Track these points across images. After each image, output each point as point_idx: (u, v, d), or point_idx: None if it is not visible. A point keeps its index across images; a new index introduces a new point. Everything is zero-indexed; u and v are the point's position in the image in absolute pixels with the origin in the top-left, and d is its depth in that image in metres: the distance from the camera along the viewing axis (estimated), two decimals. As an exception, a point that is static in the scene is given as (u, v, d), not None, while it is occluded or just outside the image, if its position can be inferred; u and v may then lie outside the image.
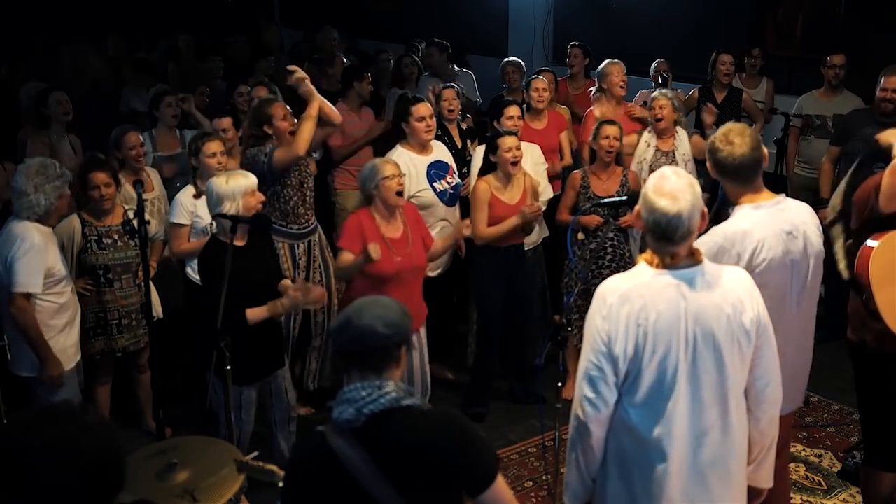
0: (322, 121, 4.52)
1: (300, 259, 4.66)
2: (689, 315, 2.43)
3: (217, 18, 10.09)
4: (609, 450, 2.57)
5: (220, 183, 3.73)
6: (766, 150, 3.05)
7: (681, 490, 2.52)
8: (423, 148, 4.89)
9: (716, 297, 2.46)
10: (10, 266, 3.76)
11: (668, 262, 2.47)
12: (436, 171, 4.90)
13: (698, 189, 2.51)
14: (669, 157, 5.15)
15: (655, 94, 5.31)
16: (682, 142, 5.23)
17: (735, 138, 2.96)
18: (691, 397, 2.46)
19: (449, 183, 4.95)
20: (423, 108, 4.82)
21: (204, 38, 8.24)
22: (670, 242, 2.45)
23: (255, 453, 3.76)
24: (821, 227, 3.12)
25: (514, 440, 4.67)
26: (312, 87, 4.50)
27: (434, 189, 4.85)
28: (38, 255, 3.79)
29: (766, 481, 2.76)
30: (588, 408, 2.48)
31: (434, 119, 4.91)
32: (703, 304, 2.45)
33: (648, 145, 5.24)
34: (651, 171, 5.05)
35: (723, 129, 3.05)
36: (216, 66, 7.13)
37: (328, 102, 4.64)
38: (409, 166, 4.68)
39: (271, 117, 4.46)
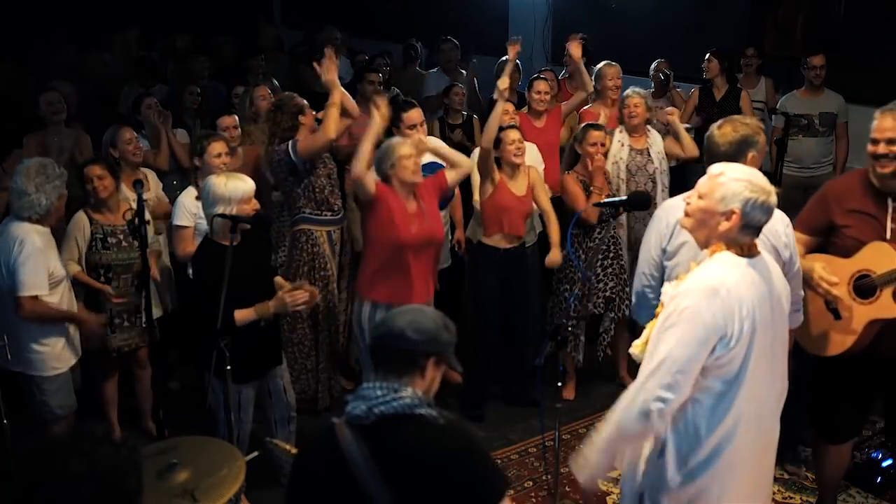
0: (342, 112, 4.78)
1: (336, 245, 4.85)
2: (773, 300, 2.55)
3: (217, 18, 10.09)
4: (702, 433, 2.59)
5: (218, 183, 3.70)
6: (762, 144, 3.15)
7: (752, 467, 2.63)
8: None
9: (779, 282, 2.62)
10: (14, 270, 3.76)
11: (754, 249, 2.57)
12: (426, 174, 4.85)
13: None
14: (644, 156, 5.11)
15: (628, 91, 5.24)
16: (656, 140, 5.20)
17: (727, 126, 3.14)
18: (772, 377, 2.59)
19: None
20: (415, 115, 4.79)
21: (204, 39, 8.25)
22: (758, 232, 2.56)
23: (255, 454, 3.79)
24: (792, 241, 3.11)
25: (514, 440, 4.68)
26: (335, 76, 4.69)
27: None
28: (41, 256, 3.80)
29: None
30: (665, 402, 2.46)
31: (425, 125, 4.88)
32: (777, 289, 2.58)
33: (622, 144, 5.18)
34: (628, 170, 5.06)
35: (728, 118, 3.24)
36: (201, 65, 7.12)
37: (349, 95, 4.92)
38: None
39: (303, 107, 4.72)
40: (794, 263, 3.09)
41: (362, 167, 4.06)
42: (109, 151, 4.78)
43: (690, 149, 5.12)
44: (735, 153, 3.07)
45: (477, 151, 5.00)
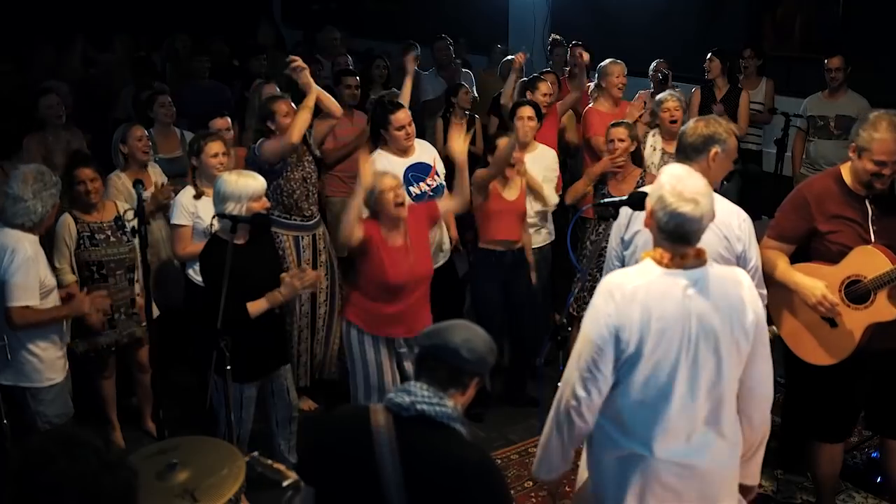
0: (324, 113, 4.76)
1: (304, 251, 4.74)
2: (693, 315, 2.46)
3: (217, 19, 10.10)
4: (596, 440, 2.66)
5: (229, 181, 3.71)
6: (730, 145, 3.22)
7: (664, 483, 2.55)
8: (403, 151, 4.82)
9: (719, 298, 2.49)
10: (6, 280, 3.66)
11: (678, 261, 2.50)
12: (415, 173, 4.82)
13: (710, 187, 2.56)
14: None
15: (665, 95, 5.24)
16: None
17: (700, 122, 3.25)
18: (687, 394, 2.49)
19: (428, 185, 4.86)
20: (403, 116, 4.75)
21: (204, 39, 8.25)
22: (687, 244, 2.50)
23: (255, 453, 3.79)
24: (747, 236, 3.09)
25: (514, 440, 4.68)
26: (310, 79, 4.63)
27: (410, 193, 4.71)
28: (32, 265, 3.70)
29: (754, 478, 2.79)
30: (583, 399, 2.52)
31: (413, 126, 4.83)
32: (707, 306, 2.47)
33: (654, 149, 5.19)
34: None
35: (705, 116, 3.37)
36: (202, 65, 7.12)
37: (328, 95, 4.85)
38: (386, 170, 4.52)
39: (274, 114, 4.63)
40: (749, 260, 3.07)
41: (348, 233, 3.93)
42: (119, 148, 4.78)
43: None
44: (700, 146, 3.18)
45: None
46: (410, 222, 4.15)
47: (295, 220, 4.70)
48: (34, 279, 3.70)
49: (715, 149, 3.17)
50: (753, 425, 2.65)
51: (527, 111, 5.03)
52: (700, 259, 2.52)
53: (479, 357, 2.19)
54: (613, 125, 4.87)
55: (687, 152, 3.21)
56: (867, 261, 3.34)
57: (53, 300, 3.88)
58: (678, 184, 2.48)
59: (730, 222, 3.05)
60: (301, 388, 4.83)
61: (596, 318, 2.50)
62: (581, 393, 2.51)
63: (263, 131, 4.65)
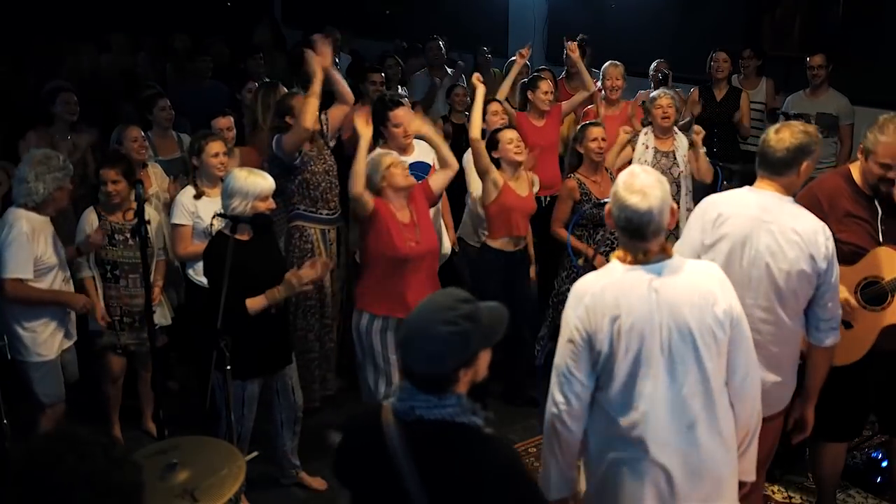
0: (337, 101, 4.88)
1: (331, 245, 4.80)
2: (661, 308, 2.46)
3: (217, 19, 10.10)
4: (590, 446, 2.62)
5: (239, 176, 3.72)
6: (818, 153, 3.04)
7: (659, 485, 2.52)
8: (402, 150, 4.80)
9: (687, 290, 2.49)
10: (0, 253, 3.87)
11: (641, 258, 2.52)
12: (415, 172, 4.74)
13: (667, 186, 2.54)
14: (670, 158, 5.10)
15: (658, 93, 5.21)
16: (682, 143, 5.17)
17: (784, 131, 3.03)
18: (671, 390, 2.48)
19: None
20: (402, 114, 4.76)
21: (202, 39, 8.24)
22: (642, 239, 2.50)
23: (255, 454, 3.79)
24: (831, 254, 2.97)
25: (514, 440, 4.65)
26: (318, 66, 4.63)
27: None
28: (26, 242, 3.88)
29: (748, 474, 2.74)
30: (561, 405, 2.54)
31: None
32: (675, 297, 2.47)
33: (647, 147, 5.16)
34: None
35: (778, 124, 3.14)
36: (205, 65, 7.11)
37: (342, 80, 4.92)
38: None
39: (292, 108, 4.71)
40: (830, 274, 2.95)
41: (360, 185, 4.00)
42: (116, 149, 4.79)
43: (705, 173, 5.05)
44: (791, 160, 2.99)
45: (469, 154, 4.99)
46: (413, 202, 4.20)
47: (322, 213, 4.77)
48: (27, 254, 3.89)
49: (806, 162, 3.00)
50: (741, 420, 2.61)
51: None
52: (665, 253, 2.53)
53: (444, 358, 2.05)
54: (590, 125, 4.90)
55: (776, 167, 3.02)
56: (885, 262, 3.30)
57: (51, 279, 4.04)
58: (629, 178, 2.51)
59: (816, 240, 2.92)
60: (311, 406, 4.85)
61: (568, 323, 2.53)
62: (559, 398, 2.53)
63: (282, 128, 4.69)
